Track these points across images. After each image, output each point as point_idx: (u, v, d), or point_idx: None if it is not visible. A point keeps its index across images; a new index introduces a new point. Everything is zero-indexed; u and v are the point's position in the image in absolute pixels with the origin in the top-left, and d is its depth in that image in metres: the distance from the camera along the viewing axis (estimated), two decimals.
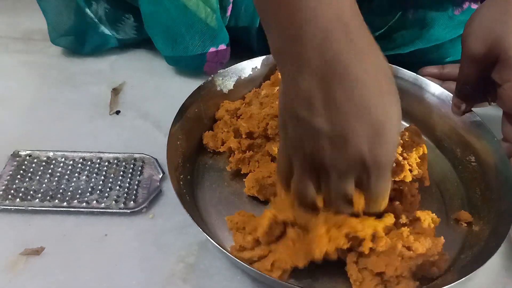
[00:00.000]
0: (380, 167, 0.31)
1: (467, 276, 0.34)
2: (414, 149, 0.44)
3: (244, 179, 0.44)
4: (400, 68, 0.51)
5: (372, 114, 0.29)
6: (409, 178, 0.42)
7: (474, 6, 0.48)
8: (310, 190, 0.34)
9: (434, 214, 0.39)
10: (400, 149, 0.44)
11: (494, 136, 0.45)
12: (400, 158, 0.42)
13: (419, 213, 0.38)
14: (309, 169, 0.33)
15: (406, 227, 0.37)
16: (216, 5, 0.53)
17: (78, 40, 0.59)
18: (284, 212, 0.37)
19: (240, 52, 0.57)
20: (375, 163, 0.30)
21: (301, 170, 0.33)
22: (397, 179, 0.42)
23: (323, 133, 0.30)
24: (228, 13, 0.55)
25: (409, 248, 0.35)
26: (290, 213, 0.37)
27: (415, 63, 0.57)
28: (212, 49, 0.55)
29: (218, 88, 0.50)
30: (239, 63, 0.51)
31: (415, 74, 0.50)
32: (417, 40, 0.52)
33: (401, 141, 0.45)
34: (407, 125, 0.49)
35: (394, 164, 0.42)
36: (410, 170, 0.42)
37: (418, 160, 0.43)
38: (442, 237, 0.37)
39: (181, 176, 0.43)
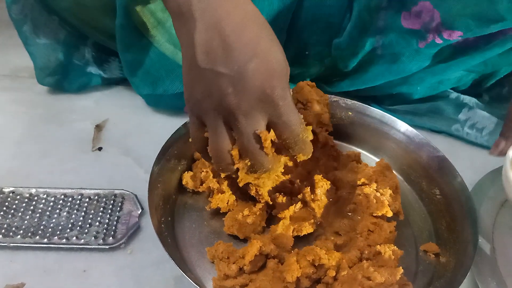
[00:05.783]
0: (280, 98, 0.34)
1: None
2: (388, 183, 0.47)
3: (223, 218, 0.46)
4: (368, 106, 0.54)
5: (261, 54, 0.33)
6: (390, 214, 0.44)
7: (439, 41, 0.49)
8: (226, 142, 0.36)
9: (395, 246, 0.41)
10: (374, 185, 0.46)
11: (455, 170, 0.47)
12: (378, 194, 0.45)
13: (379, 247, 0.40)
14: (220, 120, 0.35)
15: (368, 261, 0.40)
16: None
17: (64, 80, 0.61)
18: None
19: None
20: (274, 95, 0.34)
21: (213, 123, 0.36)
22: (379, 214, 0.44)
23: (224, 77, 0.33)
24: None
25: (368, 278, 0.38)
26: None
27: (385, 96, 0.61)
28: None
29: None
30: None
31: (382, 112, 0.53)
32: (386, 72, 0.55)
33: (374, 176, 0.47)
34: (377, 160, 0.51)
35: (375, 201, 0.44)
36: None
37: (393, 194, 0.46)
38: (401, 267, 0.39)
39: (162, 219, 0.44)
